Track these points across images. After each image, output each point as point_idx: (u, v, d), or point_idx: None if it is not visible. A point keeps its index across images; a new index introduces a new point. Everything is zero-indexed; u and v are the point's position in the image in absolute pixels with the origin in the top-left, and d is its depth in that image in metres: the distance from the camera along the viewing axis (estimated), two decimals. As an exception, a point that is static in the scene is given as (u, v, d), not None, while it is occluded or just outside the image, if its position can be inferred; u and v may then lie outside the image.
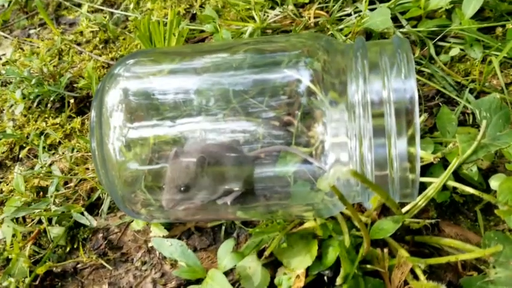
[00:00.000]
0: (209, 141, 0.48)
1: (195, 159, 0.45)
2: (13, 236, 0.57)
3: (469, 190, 0.49)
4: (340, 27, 0.76)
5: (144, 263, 0.55)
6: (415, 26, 0.75)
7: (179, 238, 0.55)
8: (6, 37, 1.00)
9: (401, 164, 0.41)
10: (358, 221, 0.42)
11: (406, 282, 0.45)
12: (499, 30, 0.70)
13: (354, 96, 0.42)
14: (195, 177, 0.45)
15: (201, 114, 0.48)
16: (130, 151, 0.48)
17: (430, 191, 0.50)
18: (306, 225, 0.50)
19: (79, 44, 0.91)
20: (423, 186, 0.51)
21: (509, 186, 0.47)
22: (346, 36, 0.74)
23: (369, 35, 0.74)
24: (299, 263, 0.48)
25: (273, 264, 0.50)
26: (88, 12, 0.98)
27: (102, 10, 0.98)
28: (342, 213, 0.50)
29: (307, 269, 0.48)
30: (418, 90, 0.67)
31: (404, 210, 0.50)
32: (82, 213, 0.59)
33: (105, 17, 0.92)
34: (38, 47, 0.92)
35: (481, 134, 0.50)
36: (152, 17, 0.90)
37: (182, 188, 0.45)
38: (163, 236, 0.55)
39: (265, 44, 0.53)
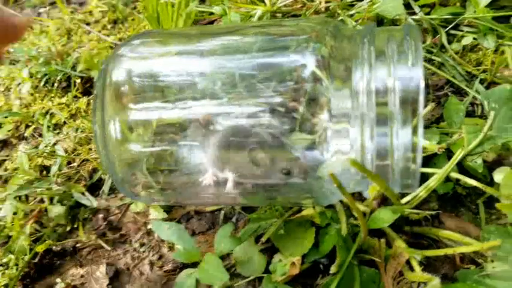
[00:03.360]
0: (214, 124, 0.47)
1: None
2: (14, 213, 0.58)
3: (472, 182, 0.48)
4: (351, 12, 0.75)
5: (142, 244, 0.55)
6: (428, 13, 0.73)
7: (178, 221, 0.55)
8: (17, 15, 1.00)
9: (403, 154, 0.40)
10: (356, 210, 0.42)
11: (401, 273, 0.44)
12: (514, 19, 0.68)
13: (359, 83, 0.41)
14: None
15: (205, 97, 0.47)
16: (132, 133, 0.48)
17: (432, 182, 0.49)
18: (304, 212, 0.49)
19: (88, 24, 0.90)
20: (426, 177, 0.50)
21: (513, 179, 0.46)
22: (357, 22, 0.72)
23: (380, 21, 0.73)
24: (295, 250, 0.48)
25: (271, 250, 0.50)
26: (98, -9, 0.98)
27: (112, -11, 0.98)
28: (341, 201, 0.50)
29: (304, 256, 0.48)
30: (427, 79, 0.66)
31: (405, 200, 0.49)
32: (83, 194, 0.59)
33: (114, -3, 0.92)
34: (48, 26, 0.92)
35: (487, 125, 0.49)
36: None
37: None
38: (162, 219, 0.55)
39: (272, 28, 0.52)
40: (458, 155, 0.48)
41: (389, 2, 0.64)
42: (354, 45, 0.44)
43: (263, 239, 0.48)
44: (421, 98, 0.38)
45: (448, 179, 0.51)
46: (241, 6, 0.75)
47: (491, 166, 0.53)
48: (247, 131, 0.46)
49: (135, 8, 0.91)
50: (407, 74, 0.40)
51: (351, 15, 0.74)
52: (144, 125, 0.48)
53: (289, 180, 0.46)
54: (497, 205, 0.42)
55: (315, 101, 0.44)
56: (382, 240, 0.46)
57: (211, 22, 0.81)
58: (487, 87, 0.63)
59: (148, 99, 0.48)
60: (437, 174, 0.49)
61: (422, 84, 0.39)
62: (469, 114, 0.60)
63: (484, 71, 0.64)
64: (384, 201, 0.51)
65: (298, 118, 0.45)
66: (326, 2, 0.79)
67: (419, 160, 0.40)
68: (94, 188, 0.62)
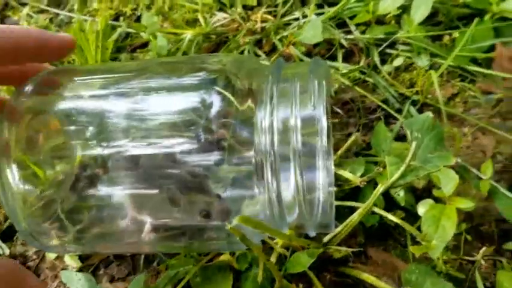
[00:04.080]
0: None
1: None
2: None
3: (393, 219, 0.46)
4: (285, 33, 0.73)
5: (59, 293, 0.52)
6: (364, 32, 0.72)
7: (97, 266, 0.52)
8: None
9: (311, 193, 0.38)
10: (265, 261, 0.39)
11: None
12: (447, 38, 0.67)
13: (261, 122, 0.39)
14: None
15: (109, 140, 0.45)
16: (34, 178, 0.45)
17: (355, 217, 0.47)
18: (223, 257, 0.47)
19: (20, 49, 0.86)
20: (353, 211, 0.48)
21: (434, 214, 0.45)
22: (289, 44, 0.71)
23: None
24: (214, 298, 0.46)
25: (194, 297, 0.48)
26: (34, 12, 0.94)
27: (48, 11, 0.94)
28: (263, 241, 0.47)
29: (224, 304, 0.45)
30: (360, 102, 0.64)
31: (329, 236, 0.48)
32: (-5, 241, 0.56)
33: (46, 19, 0.88)
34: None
35: (409, 157, 0.48)
36: (96, 18, 0.86)
37: None
38: (77, 267, 0.52)
39: (183, 64, 0.50)
40: (379, 188, 0.47)
41: (310, 30, 0.62)
42: (260, 83, 0.42)
43: (177, 289, 0.46)
44: (324, 139, 0.37)
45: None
46: (170, 30, 0.72)
47: (421, 194, 0.52)
48: (163, 171, 0.44)
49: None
50: (309, 114, 0.38)
51: (286, 36, 0.73)
52: (47, 169, 0.45)
53: (209, 223, 0.44)
54: (410, 248, 0.40)
55: (237, 138, 0.42)
56: (301, 285, 0.44)
57: (144, 44, 0.79)
58: (420, 109, 0.62)
59: (49, 141, 0.45)
60: (360, 209, 0.47)
61: (324, 125, 0.37)
62: (401, 138, 0.59)
63: (417, 92, 0.63)
64: (308, 238, 0.49)
65: (212, 157, 0.42)
66: (262, 22, 0.77)
67: (331, 199, 0.39)
68: (11, 232, 0.58)
